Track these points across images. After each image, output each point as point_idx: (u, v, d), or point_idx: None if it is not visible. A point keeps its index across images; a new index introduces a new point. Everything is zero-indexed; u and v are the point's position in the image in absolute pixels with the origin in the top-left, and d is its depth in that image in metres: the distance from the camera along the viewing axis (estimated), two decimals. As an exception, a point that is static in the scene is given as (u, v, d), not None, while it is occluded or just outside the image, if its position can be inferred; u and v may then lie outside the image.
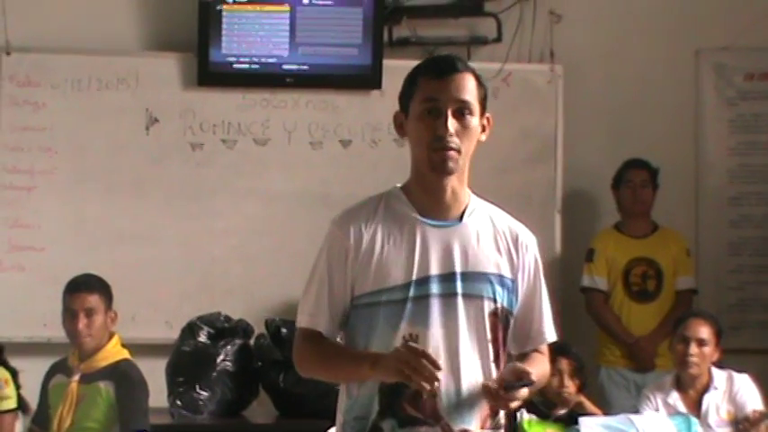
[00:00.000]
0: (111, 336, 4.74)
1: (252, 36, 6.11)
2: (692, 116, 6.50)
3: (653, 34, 6.45)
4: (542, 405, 4.92)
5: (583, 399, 4.98)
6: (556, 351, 4.94)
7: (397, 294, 2.76)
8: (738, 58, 6.47)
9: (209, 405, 5.39)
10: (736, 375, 5.05)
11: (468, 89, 2.81)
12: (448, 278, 2.78)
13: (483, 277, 2.80)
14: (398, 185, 2.90)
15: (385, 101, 5.80)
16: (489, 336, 2.78)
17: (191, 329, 5.53)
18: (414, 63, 6.61)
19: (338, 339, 2.88)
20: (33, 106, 6.09)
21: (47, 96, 6.09)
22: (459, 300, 2.77)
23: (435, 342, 2.73)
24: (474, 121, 2.81)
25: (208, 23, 6.06)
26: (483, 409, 2.77)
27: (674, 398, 5.03)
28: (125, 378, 4.64)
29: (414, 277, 2.76)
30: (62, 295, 4.72)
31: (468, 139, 2.80)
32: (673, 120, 6.46)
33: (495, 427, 2.83)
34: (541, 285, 2.92)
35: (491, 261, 2.82)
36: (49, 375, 4.79)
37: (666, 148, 6.30)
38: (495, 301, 2.81)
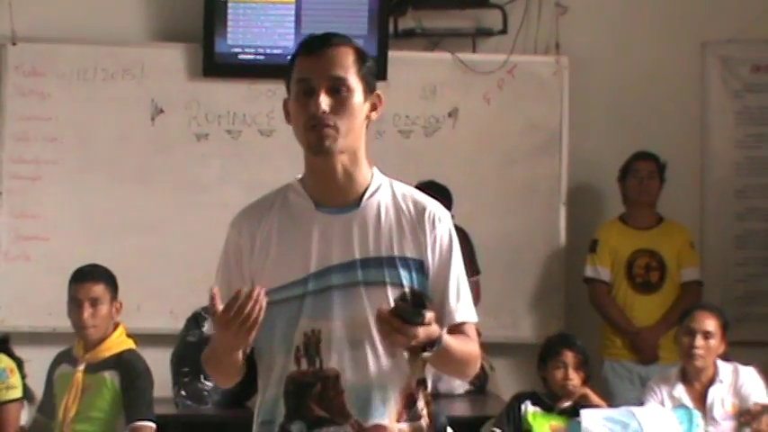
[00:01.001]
0: (116, 326, 4.72)
1: (257, 26, 6.10)
2: (699, 108, 6.48)
3: (659, 26, 6.44)
4: (547, 397, 4.91)
5: (588, 391, 4.96)
6: (561, 343, 4.97)
7: (296, 290, 2.62)
8: (745, 51, 6.46)
9: (214, 395, 5.39)
10: (741, 368, 5.03)
11: (343, 65, 2.65)
12: (349, 267, 2.62)
13: (385, 262, 2.62)
14: (298, 177, 2.78)
15: (390, 92, 5.70)
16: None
17: (195, 320, 5.52)
18: (419, 54, 6.57)
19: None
20: (39, 96, 6.10)
21: (52, 86, 6.10)
22: (362, 289, 2.60)
23: (338, 335, 2.59)
24: (354, 97, 2.64)
25: (213, 14, 6.06)
26: (397, 401, 2.62)
27: (680, 390, 5.01)
28: (130, 368, 4.63)
29: (312, 270, 2.62)
30: (67, 285, 4.71)
31: (348, 116, 2.63)
32: (679, 112, 6.45)
33: (413, 418, 2.65)
34: (455, 262, 2.69)
35: (393, 243, 2.64)
36: (55, 365, 4.78)
37: (672, 140, 6.29)
38: (401, 285, 2.61)
